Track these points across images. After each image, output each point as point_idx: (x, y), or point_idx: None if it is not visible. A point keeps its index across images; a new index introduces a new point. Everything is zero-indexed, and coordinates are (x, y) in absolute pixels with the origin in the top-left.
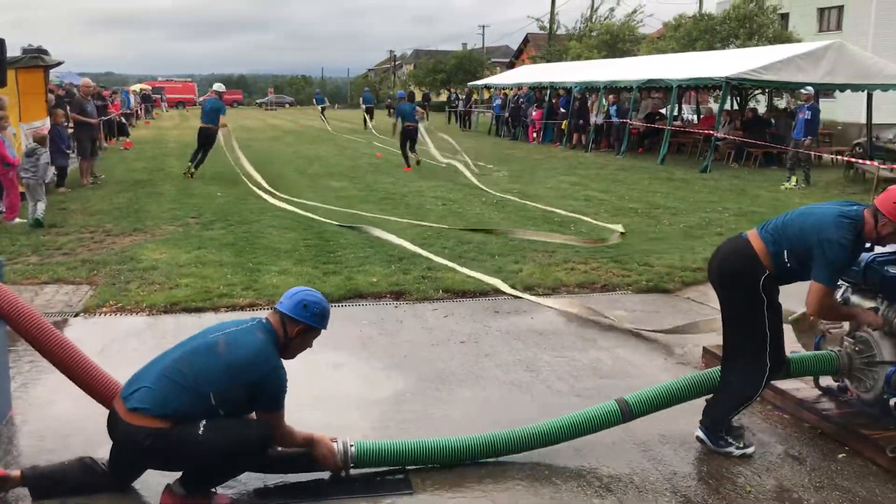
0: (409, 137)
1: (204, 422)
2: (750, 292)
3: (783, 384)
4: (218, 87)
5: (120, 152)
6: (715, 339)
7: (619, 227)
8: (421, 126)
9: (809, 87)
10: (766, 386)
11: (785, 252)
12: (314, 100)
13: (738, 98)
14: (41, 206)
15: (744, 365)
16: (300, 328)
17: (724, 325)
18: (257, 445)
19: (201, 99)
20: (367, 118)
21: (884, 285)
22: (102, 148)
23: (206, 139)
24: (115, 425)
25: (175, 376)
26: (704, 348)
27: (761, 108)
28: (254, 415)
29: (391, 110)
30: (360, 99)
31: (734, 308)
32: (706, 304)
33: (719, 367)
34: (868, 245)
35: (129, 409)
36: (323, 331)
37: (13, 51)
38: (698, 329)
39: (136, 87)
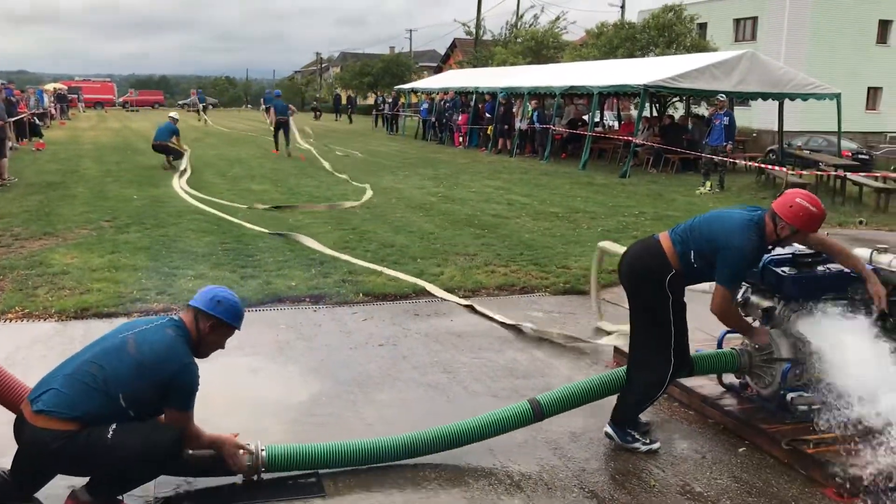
0: (280, 127)
1: (114, 425)
2: (656, 289)
3: (688, 381)
4: (174, 114)
5: (32, 153)
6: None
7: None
8: (291, 119)
9: (723, 95)
10: (671, 382)
11: (692, 252)
12: (262, 99)
13: (658, 105)
14: None
15: (649, 361)
16: (212, 323)
17: (632, 322)
18: (168, 449)
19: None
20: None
21: (780, 286)
22: (13, 149)
23: (163, 150)
24: (21, 429)
25: (84, 378)
26: (615, 348)
27: (679, 115)
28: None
29: (316, 112)
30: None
31: (641, 305)
32: (619, 305)
33: (624, 368)
34: (770, 247)
35: (36, 412)
36: (237, 331)
37: None
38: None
39: (52, 86)
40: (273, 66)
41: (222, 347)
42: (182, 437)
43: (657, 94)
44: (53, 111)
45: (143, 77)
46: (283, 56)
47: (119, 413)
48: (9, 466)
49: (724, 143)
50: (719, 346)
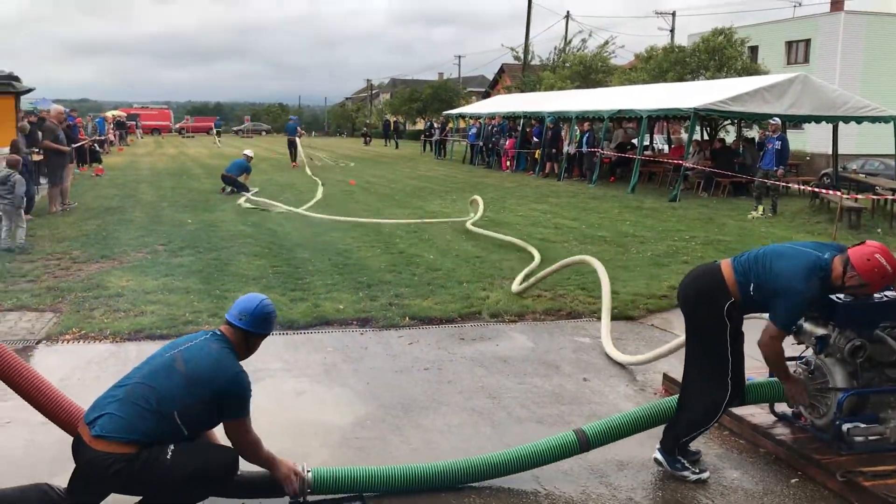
0: (291, 144)
1: (172, 446)
2: (714, 316)
3: (739, 410)
4: (248, 152)
5: (91, 179)
6: (676, 367)
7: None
8: (298, 140)
9: (776, 119)
10: (725, 412)
11: (751, 284)
12: (285, 128)
13: (708, 128)
14: (21, 233)
15: (704, 389)
16: (244, 334)
17: (687, 348)
18: (224, 470)
19: (242, 156)
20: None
21: (835, 313)
22: (73, 175)
23: (230, 181)
24: (80, 451)
25: (138, 400)
26: (665, 375)
27: (731, 139)
28: (218, 436)
29: (366, 138)
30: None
31: (698, 331)
32: (669, 332)
33: (676, 396)
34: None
35: (95, 436)
36: (274, 340)
37: None
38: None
39: (111, 113)
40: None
41: (112, 138)
42: (237, 460)
43: (708, 118)
44: (112, 137)
45: (199, 104)
46: (335, 83)
47: (175, 431)
48: (65, 485)
49: (776, 168)
50: (771, 374)
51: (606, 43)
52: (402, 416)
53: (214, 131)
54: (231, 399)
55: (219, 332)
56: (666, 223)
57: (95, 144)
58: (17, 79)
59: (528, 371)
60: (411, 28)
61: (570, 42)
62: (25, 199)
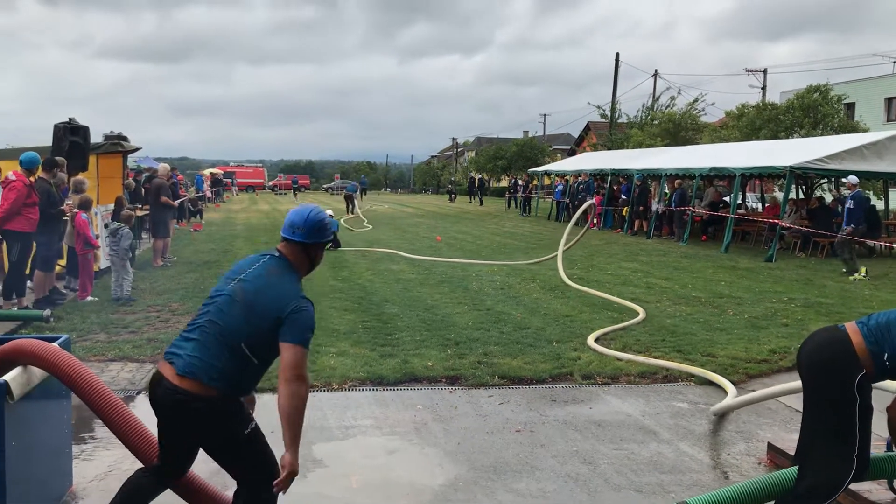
0: (349, 199)
1: (253, 424)
2: (842, 389)
3: (855, 485)
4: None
5: (190, 234)
6: (780, 435)
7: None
8: (357, 196)
9: (853, 177)
10: (846, 489)
11: (885, 354)
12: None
13: (804, 187)
14: (127, 283)
15: (826, 464)
16: (300, 246)
17: (807, 417)
18: (273, 477)
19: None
20: (350, 205)
21: None
22: (174, 230)
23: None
24: (161, 389)
25: (210, 340)
26: (769, 444)
27: (830, 198)
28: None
29: (451, 195)
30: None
31: (822, 402)
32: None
33: (790, 469)
34: None
35: (179, 374)
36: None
37: (96, 137)
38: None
39: (209, 171)
40: (411, 150)
41: (209, 195)
42: (291, 387)
43: (804, 176)
44: (210, 194)
45: (291, 162)
46: (421, 141)
47: (246, 362)
48: None
49: (846, 227)
50: (888, 448)
51: (696, 100)
52: (495, 480)
53: (292, 191)
54: (291, 323)
55: (276, 253)
56: (763, 284)
57: (197, 201)
58: (125, 139)
59: (624, 436)
60: (498, 88)
61: (658, 99)
62: (131, 252)
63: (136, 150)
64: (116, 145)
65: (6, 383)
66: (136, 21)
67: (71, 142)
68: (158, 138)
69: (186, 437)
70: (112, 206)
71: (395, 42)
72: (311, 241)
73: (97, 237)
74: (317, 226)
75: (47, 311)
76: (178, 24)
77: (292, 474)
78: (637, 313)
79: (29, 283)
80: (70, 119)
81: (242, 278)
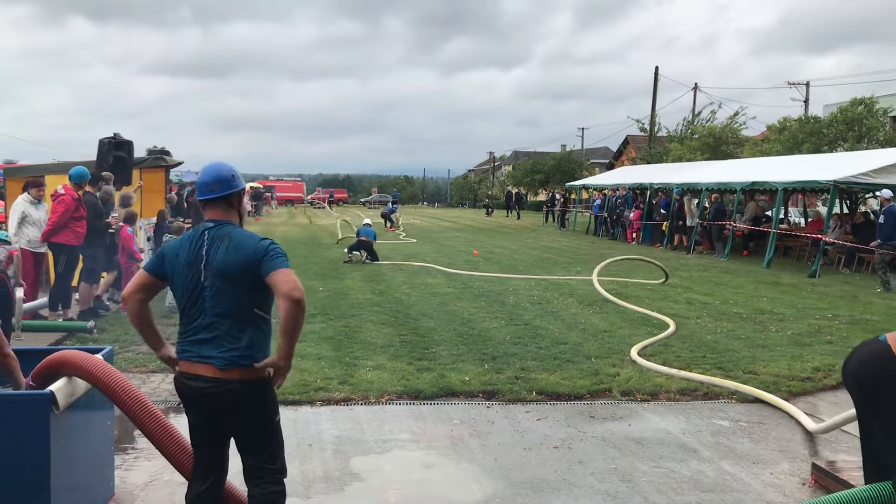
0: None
1: (278, 417)
2: (892, 400)
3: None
4: (368, 221)
5: None
6: (824, 455)
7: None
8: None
9: (887, 190)
10: None
11: None
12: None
13: (848, 201)
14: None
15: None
16: (227, 198)
17: (863, 435)
18: (284, 472)
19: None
20: (387, 221)
21: None
22: None
23: (362, 246)
24: (208, 384)
25: (227, 326)
26: (814, 464)
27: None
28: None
29: (488, 209)
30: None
31: (874, 415)
32: (816, 417)
33: (856, 489)
34: None
35: (223, 369)
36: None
37: (139, 151)
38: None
39: (249, 185)
40: (448, 165)
41: (249, 208)
42: (292, 299)
43: (848, 191)
44: (250, 208)
45: (329, 176)
46: (458, 155)
47: (263, 323)
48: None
49: (876, 241)
50: None
51: (737, 114)
52: (533, 496)
53: (326, 203)
54: (270, 258)
55: (209, 224)
56: (806, 300)
57: None
58: (167, 153)
59: (664, 454)
60: (536, 102)
61: (698, 114)
62: None
63: (179, 164)
64: (159, 160)
65: (52, 393)
66: (181, 38)
67: (115, 156)
68: (201, 153)
69: (230, 423)
70: (154, 219)
71: (435, 57)
72: (228, 191)
73: (141, 251)
74: (226, 175)
75: (91, 323)
76: (222, 40)
77: (285, 369)
78: (668, 325)
79: (75, 296)
80: (115, 134)
81: (204, 264)
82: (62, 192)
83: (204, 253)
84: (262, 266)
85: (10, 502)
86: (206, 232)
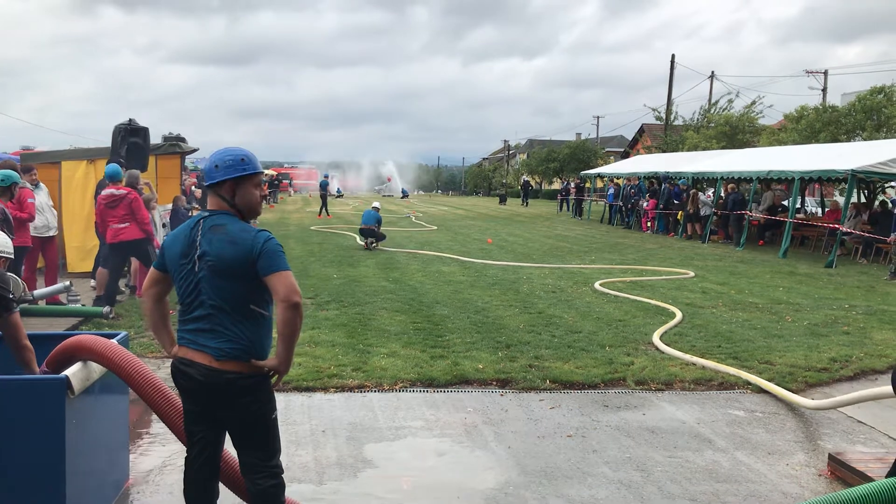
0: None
1: (275, 414)
2: None
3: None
4: (377, 204)
5: None
6: (841, 446)
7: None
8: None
9: None
10: None
11: None
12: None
13: (865, 191)
14: None
15: None
16: (226, 186)
17: None
18: (280, 468)
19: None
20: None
21: None
22: None
23: (370, 233)
24: (205, 373)
25: (222, 320)
26: (831, 455)
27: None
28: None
29: (502, 198)
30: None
31: None
32: (833, 408)
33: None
34: None
35: (220, 359)
36: (258, 175)
37: (155, 138)
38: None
39: (265, 172)
40: (462, 153)
41: (263, 196)
42: (289, 305)
43: (866, 180)
44: (265, 195)
45: (343, 163)
46: (475, 143)
47: (261, 319)
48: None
49: (893, 235)
50: None
51: (754, 103)
52: (546, 485)
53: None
54: (266, 256)
55: (205, 213)
56: (822, 290)
57: None
58: (183, 139)
59: (679, 444)
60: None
61: (715, 103)
62: None
63: (194, 150)
64: (174, 146)
65: (67, 378)
66: (206, 26)
67: (130, 142)
68: (217, 140)
69: (223, 416)
70: (170, 205)
71: (458, 45)
72: (230, 175)
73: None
74: (229, 159)
75: (108, 308)
76: (247, 29)
77: (283, 373)
78: (674, 315)
79: (91, 282)
80: (130, 120)
81: (199, 255)
82: (121, 192)
83: (198, 244)
84: (258, 263)
85: (26, 487)
86: (202, 221)
